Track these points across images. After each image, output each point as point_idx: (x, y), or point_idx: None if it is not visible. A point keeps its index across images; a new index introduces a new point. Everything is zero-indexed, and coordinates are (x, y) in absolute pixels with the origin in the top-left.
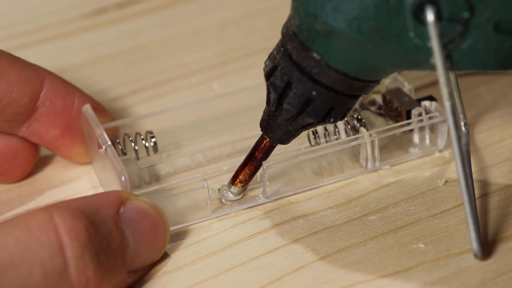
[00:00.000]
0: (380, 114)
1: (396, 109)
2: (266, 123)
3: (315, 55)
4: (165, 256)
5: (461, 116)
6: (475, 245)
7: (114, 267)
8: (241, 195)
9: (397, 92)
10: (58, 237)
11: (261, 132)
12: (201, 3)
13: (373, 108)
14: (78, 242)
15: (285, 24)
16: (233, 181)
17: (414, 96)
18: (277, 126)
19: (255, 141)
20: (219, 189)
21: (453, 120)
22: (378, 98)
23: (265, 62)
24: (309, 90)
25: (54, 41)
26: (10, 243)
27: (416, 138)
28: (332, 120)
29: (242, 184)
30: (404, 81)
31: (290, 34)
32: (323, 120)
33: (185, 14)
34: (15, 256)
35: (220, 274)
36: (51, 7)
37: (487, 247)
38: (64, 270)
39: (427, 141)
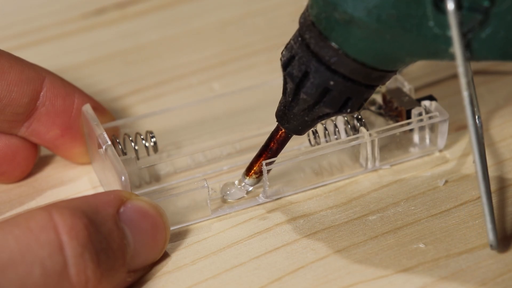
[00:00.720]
0: (380, 114)
1: (396, 109)
2: (282, 114)
3: (333, 44)
4: (165, 256)
5: (475, 109)
6: (491, 236)
7: (114, 266)
8: (246, 193)
9: (397, 92)
10: (57, 236)
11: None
12: (201, 3)
13: (373, 108)
14: (78, 242)
15: (303, 13)
16: (247, 172)
17: (414, 96)
18: (293, 117)
19: (255, 141)
20: (222, 188)
21: (471, 110)
22: (378, 98)
23: (282, 52)
24: (326, 79)
25: (54, 41)
26: (10, 242)
27: (416, 138)
28: (349, 110)
29: (257, 175)
30: (404, 81)
31: (308, 24)
32: (340, 110)
33: (185, 14)
34: (15, 255)
35: (220, 274)
36: (51, 7)
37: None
38: (64, 269)
39: (427, 141)
